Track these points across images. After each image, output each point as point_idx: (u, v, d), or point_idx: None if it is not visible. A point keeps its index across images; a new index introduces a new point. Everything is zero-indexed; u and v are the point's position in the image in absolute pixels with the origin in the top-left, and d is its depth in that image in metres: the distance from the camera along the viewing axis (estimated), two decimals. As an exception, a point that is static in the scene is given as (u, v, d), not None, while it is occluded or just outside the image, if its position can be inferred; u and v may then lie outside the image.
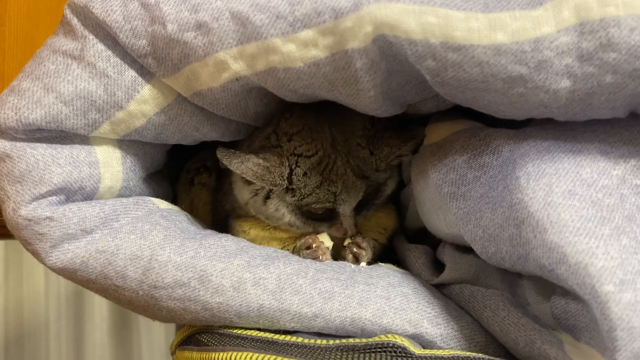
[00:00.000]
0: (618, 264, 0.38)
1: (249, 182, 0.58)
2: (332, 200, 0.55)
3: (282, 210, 0.57)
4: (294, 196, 0.55)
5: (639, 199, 0.42)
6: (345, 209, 0.57)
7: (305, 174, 0.55)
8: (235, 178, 0.61)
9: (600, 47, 0.39)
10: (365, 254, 0.58)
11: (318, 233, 0.60)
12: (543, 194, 0.42)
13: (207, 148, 0.66)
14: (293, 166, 0.55)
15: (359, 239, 0.59)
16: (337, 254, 0.61)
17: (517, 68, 0.40)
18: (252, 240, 0.58)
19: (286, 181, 0.55)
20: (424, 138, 0.56)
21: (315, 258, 0.55)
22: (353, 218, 0.58)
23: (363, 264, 0.57)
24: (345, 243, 0.60)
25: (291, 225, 0.58)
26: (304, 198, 0.55)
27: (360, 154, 0.56)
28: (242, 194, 0.60)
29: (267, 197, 0.57)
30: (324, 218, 0.58)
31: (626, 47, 0.38)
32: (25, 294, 1.38)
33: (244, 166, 0.54)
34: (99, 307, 1.42)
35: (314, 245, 0.56)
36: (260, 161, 0.54)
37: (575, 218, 0.40)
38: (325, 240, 0.58)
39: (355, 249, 0.58)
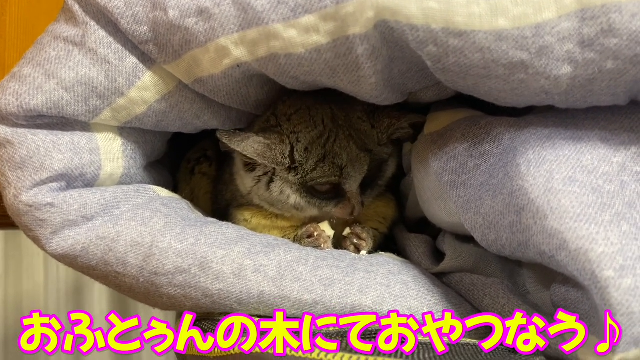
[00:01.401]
0: (618, 249, 0.38)
1: (251, 170, 0.58)
2: (338, 174, 0.55)
3: (286, 192, 0.57)
4: (297, 174, 0.56)
5: (639, 185, 0.42)
6: (352, 185, 0.57)
7: (306, 148, 0.55)
8: (237, 168, 0.61)
9: (602, 33, 0.39)
10: (366, 245, 0.58)
11: (322, 219, 0.60)
12: (543, 181, 0.42)
13: (208, 137, 0.66)
14: (294, 143, 0.55)
15: (358, 230, 0.59)
16: (337, 244, 0.61)
17: (519, 54, 0.40)
18: (254, 229, 0.58)
19: (288, 159, 0.55)
20: (424, 123, 0.56)
21: (317, 246, 0.55)
22: (359, 196, 0.58)
23: (364, 252, 0.57)
24: (345, 233, 0.60)
25: (296, 207, 0.58)
26: (308, 174, 0.55)
27: (362, 127, 0.57)
28: (245, 182, 0.60)
29: (271, 180, 0.57)
30: (329, 197, 0.58)
31: (627, 33, 0.38)
32: (25, 288, 1.38)
33: (245, 144, 0.54)
34: (99, 302, 1.42)
35: (315, 234, 0.56)
36: (261, 139, 0.54)
37: (576, 204, 0.40)
38: (327, 229, 0.59)
39: (355, 240, 0.58)
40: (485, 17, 0.40)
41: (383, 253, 0.57)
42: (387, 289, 0.49)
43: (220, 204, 0.67)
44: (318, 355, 0.43)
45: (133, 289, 0.51)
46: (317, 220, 0.60)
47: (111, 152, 0.53)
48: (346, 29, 0.42)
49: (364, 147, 0.56)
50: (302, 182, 0.56)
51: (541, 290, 0.49)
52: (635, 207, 0.41)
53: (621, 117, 0.45)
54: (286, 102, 0.57)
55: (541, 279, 0.50)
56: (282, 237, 0.59)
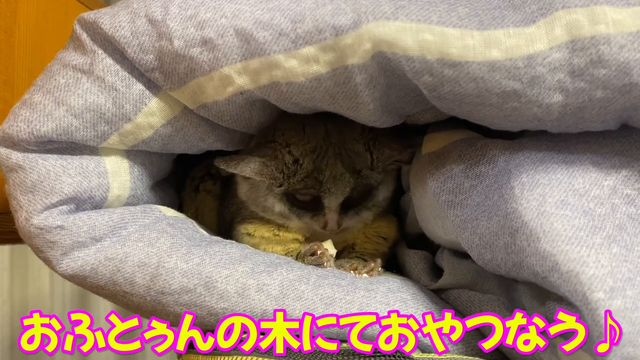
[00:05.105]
0: (608, 272, 0.39)
1: (247, 177, 0.60)
2: (317, 187, 0.57)
3: (270, 200, 0.60)
4: (281, 185, 0.58)
5: (629, 208, 0.44)
6: (331, 202, 0.58)
7: (296, 160, 0.57)
8: (237, 178, 0.63)
9: (591, 63, 0.40)
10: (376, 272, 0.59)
11: (324, 236, 0.61)
12: (536, 204, 0.43)
13: (212, 156, 0.67)
14: (284, 156, 0.57)
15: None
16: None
17: (511, 83, 0.42)
18: (257, 243, 0.60)
19: (282, 173, 0.57)
20: (422, 146, 0.58)
21: (320, 264, 0.56)
22: (337, 214, 0.59)
23: (364, 275, 0.58)
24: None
25: (282, 215, 0.60)
26: (290, 186, 0.58)
27: (355, 148, 0.58)
28: (241, 187, 0.63)
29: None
30: (308, 207, 0.60)
31: (616, 64, 0.39)
32: (31, 295, 1.39)
33: (242, 165, 0.57)
34: (104, 309, 1.43)
35: (318, 252, 0.57)
36: (256, 157, 0.57)
37: (568, 227, 0.41)
38: (329, 248, 0.60)
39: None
40: (479, 48, 0.41)
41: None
42: (386, 307, 0.50)
43: (226, 219, 0.68)
44: None
45: (140, 308, 0.52)
46: (318, 236, 0.61)
47: (119, 175, 0.54)
48: (345, 59, 0.44)
49: (351, 167, 0.58)
50: (285, 191, 0.58)
51: (537, 307, 0.50)
52: (625, 229, 0.42)
53: (612, 141, 0.46)
54: (284, 119, 0.59)
55: (537, 295, 0.50)
56: (285, 254, 0.60)
